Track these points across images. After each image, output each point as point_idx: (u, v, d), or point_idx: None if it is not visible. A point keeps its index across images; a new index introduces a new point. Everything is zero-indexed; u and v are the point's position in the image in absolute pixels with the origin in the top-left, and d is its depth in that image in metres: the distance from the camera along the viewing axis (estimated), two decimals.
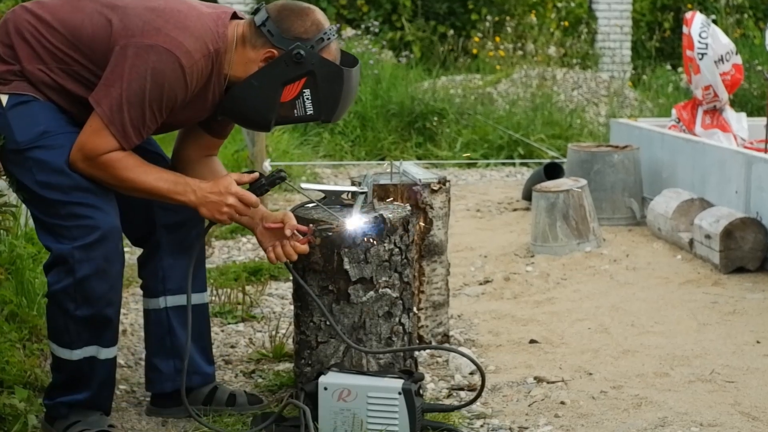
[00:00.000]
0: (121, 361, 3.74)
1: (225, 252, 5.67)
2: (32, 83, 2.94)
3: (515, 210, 6.92)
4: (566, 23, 12.83)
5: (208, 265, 4.35)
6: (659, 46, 13.06)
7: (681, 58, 8.79)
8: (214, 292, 4.49)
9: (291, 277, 3.24)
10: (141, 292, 3.33)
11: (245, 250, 5.69)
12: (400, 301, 3.17)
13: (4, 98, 2.92)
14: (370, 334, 3.14)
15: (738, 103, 9.70)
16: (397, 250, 3.14)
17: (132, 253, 4.39)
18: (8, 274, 3.83)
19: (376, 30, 11.89)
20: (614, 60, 12.88)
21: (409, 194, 3.76)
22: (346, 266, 3.09)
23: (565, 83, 10.74)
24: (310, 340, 3.17)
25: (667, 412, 3.28)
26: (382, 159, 8.98)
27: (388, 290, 3.14)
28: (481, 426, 3.22)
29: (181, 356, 3.19)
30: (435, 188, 3.85)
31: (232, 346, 4.01)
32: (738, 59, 6.61)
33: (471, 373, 3.65)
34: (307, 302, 3.16)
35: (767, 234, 5.11)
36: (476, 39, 12.02)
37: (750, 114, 8.80)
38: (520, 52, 11.51)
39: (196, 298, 3.24)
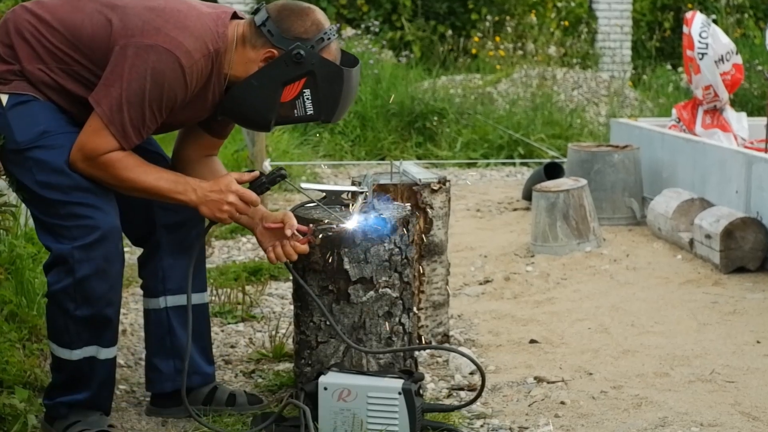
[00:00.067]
0: (121, 361, 3.74)
1: (225, 252, 5.67)
2: (32, 83, 2.94)
3: (515, 210, 6.92)
4: (566, 23, 12.83)
5: (208, 265, 4.35)
6: (659, 45, 13.06)
7: (681, 58, 8.80)
8: (214, 292, 4.49)
9: (291, 277, 3.23)
10: (141, 292, 3.33)
11: (245, 250, 5.69)
12: (400, 301, 3.17)
13: (4, 98, 2.92)
14: (370, 334, 3.13)
15: (738, 103, 9.70)
16: (397, 250, 3.14)
17: (132, 253, 4.39)
18: (8, 274, 3.83)
19: (376, 30, 11.89)
20: (614, 60, 12.88)
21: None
22: (346, 266, 3.09)
23: (565, 83, 10.74)
24: (310, 340, 3.17)
25: (668, 412, 3.28)
26: (382, 159, 8.98)
27: (388, 290, 3.14)
28: (481, 426, 3.22)
29: (181, 356, 3.19)
30: (435, 188, 3.85)
31: (232, 346, 4.01)
32: (738, 59, 6.61)
33: (471, 373, 3.65)
34: (307, 302, 3.16)
35: (767, 234, 5.11)
36: (476, 39, 12.02)
37: (750, 114, 8.80)
38: (520, 52, 11.51)
39: (196, 298, 3.24)
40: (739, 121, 6.72)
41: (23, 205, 3.10)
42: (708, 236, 5.21)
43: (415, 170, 3.97)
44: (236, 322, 4.31)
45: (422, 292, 3.92)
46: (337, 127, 9.26)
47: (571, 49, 12.16)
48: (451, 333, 4.11)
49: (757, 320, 4.33)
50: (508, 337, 4.15)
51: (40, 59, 2.93)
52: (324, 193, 3.24)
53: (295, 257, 3.07)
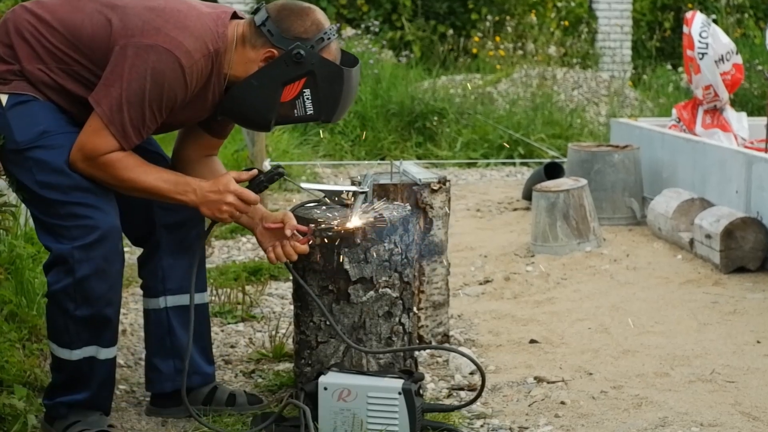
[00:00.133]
0: (120, 361, 3.74)
1: (225, 252, 5.67)
2: (32, 83, 2.93)
3: (515, 210, 6.92)
4: (566, 23, 12.83)
5: (208, 265, 4.35)
6: (659, 45, 13.05)
7: (681, 58, 8.79)
8: (214, 292, 4.49)
9: (291, 277, 3.23)
10: (141, 292, 3.33)
11: (245, 250, 5.69)
12: (400, 301, 3.17)
13: (4, 98, 2.92)
14: (370, 334, 3.13)
15: (738, 103, 9.69)
16: (397, 249, 3.13)
17: (132, 253, 4.38)
18: (8, 274, 3.83)
19: (376, 29, 11.89)
20: (614, 60, 12.88)
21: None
22: (346, 266, 3.08)
23: (565, 83, 10.74)
24: (310, 340, 3.17)
25: (668, 412, 3.28)
26: (382, 159, 8.97)
27: (388, 290, 3.14)
28: (481, 426, 3.22)
29: (181, 356, 3.19)
30: (435, 188, 3.85)
31: (232, 346, 4.00)
32: (738, 59, 6.61)
33: (471, 373, 3.65)
34: (307, 302, 3.16)
35: (767, 234, 5.10)
36: (476, 39, 12.02)
37: (750, 114, 8.79)
38: (520, 52, 11.51)
39: (197, 298, 3.23)
40: (739, 120, 6.72)
41: (23, 205, 3.10)
42: (708, 236, 5.21)
43: (415, 170, 3.97)
44: (236, 322, 4.31)
45: (422, 292, 3.92)
46: (337, 127, 9.26)
47: (571, 49, 12.16)
48: (451, 333, 4.11)
49: (757, 320, 4.33)
50: (508, 337, 4.15)
51: (40, 59, 2.93)
52: (324, 193, 3.24)
53: (295, 257, 3.07)
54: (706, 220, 5.29)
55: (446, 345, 3.96)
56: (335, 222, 3.07)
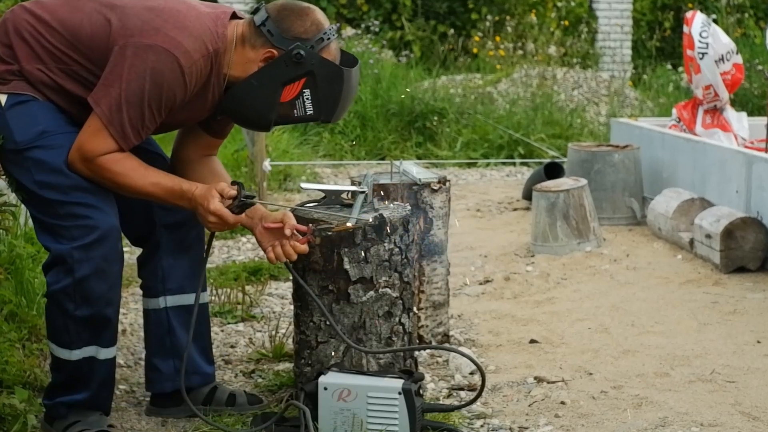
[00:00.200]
0: (120, 361, 3.74)
1: (225, 252, 5.67)
2: (31, 83, 2.93)
3: (515, 210, 6.92)
4: (566, 22, 12.82)
5: (208, 265, 4.34)
6: (660, 45, 13.05)
7: (681, 58, 8.79)
8: (214, 291, 4.49)
9: (291, 277, 3.23)
10: (141, 292, 3.33)
11: (245, 250, 5.69)
12: (400, 301, 3.17)
13: (3, 98, 2.92)
14: (370, 334, 3.13)
15: (738, 103, 9.69)
16: (397, 249, 3.13)
17: (132, 253, 4.38)
18: (8, 274, 3.83)
19: (376, 29, 11.88)
20: (615, 59, 12.88)
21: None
22: (346, 266, 3.08)
23: (565, 83, 10.74)
24: (310, 340, 3.16)
25: (668, 412, 3.28)
26: (382, 159, 8.97)
27: (388, 290, 3.13)
28: (481, 426, 3.22)
29: (181, 356, 3.18)
30: (435, 188, 3.85)
31: (232, 346, 4.00)
32: (738, 59, 6.61)
33: (471, 373, 3.65)
34: (307, 302, 3.15)
35: (767, 234, 5.10)
36: (476, 38, 12.02)
37: (750, 113, 8.79)
38: (520, 52, 11.50)
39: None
40: (739, 120, 6.72)
41: (23, 204, 3.10)
42: (708, 236, 5.21)
43: (415, 170, 3.96)
44: (236, 322, 4.30)
45: (422, 292, 3.92)
46: (337, 126, 9.26)
47: (571, 48, 12.16)
48: (451, 333, 4.11)
49: (757, 320, 4.33)
50: (508, 337, 4.14)
51: (39, 59, 2.93)
52: (324, 193, 3.24)
53: (294, 257, 3.07)
54: (706, 220, 5.29)
55: (446, 345, 3.96)
56: (335, 222, 3.07)
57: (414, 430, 2.94)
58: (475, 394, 3.27)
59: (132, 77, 2.83)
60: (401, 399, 2.93)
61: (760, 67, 10.48)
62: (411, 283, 3.22)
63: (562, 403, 3.38)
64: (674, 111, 6.96)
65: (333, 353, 3.13)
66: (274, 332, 3.92)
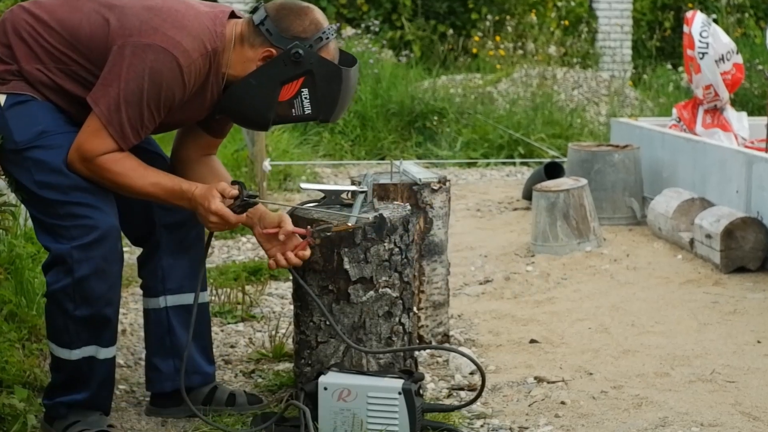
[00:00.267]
0: (120, 361, 3.74)
1: (225, 251, 5.67)
2: (30, 83, 2.93)
3: (515, 209, 6.92)
4: (566, 22, 12.82)
5: (208, 265, 4.34)
6: (660, 45, 13.05)
7: (681, 58, 8.79)
8: (214, 291, 4.49)
9: (291, 277, 3.23)
10: (141, 291, 3.32)
11: (245, 249, 5.69)
12: (400, 301, 3.17)
13: (2, 98, 2.91)
14: (370, 334, 3.13)
15: (739, 103, 9.69)
16: (397, 249, 3.13)
17: (132, 253, 4.38)
18: (7, 274, 3.83)
19: (376, 29, 11.88)
20: (615, 59, 12.87)
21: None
22: (346, 266, 3.08)
23: (565, 82, 10.74)
24: (310, 340, 3.16)
25: (668, 412, 3.28)
26: (382, 158, 8.97)
27: (388, 290, 3.13)
28: (481, 426, 3.22)
29: (181, 356, 3.18)
30: (435, 188, 3.85)
31: (232, 346, 4.00)
32: (739, 58, 6.61)
33: (471, 373, 3.65)
34: (307, 302, 3.15)
35: None
36: (476, 38, 12.01)
37: (751, 113, 8.79)
38: (520, 52, 11.50)
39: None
40: (739, 120, 6.72)
41: (23, 205, 3.10)
42: (708, 236, 5.21)
43: (415, 170, 3.96)
44: (236, 322, 4.30)
45: (422, 291, 3.92)
46: (337, 126, 9.26)
47: (571, 48, 12.15)
48: (451, 333, 4.11)
49: (757, 320, 4.33)
50: (508, 337, 4.14)
51: (38, 59, 2.93)
52: (324, 193, 3.24)
53: (299, 263, 3.07)
54: (706, 219, 5.29)
55: (446, 345, 3.96)
56: (335, 222, 3.07)
57: (414, 430, 2.94)
58: (475, 394, 3.27)
59: (131, 77, 2.83)
60: (401, 399, 2.93)
61: (760, 67, 10.48)
62: (411, 283, 3.22)
63: (562, 403, 3.38)
64: (674, 111, 6.96)
65: (333, 353, 3.13)
66: (274, 332, 3.92)
